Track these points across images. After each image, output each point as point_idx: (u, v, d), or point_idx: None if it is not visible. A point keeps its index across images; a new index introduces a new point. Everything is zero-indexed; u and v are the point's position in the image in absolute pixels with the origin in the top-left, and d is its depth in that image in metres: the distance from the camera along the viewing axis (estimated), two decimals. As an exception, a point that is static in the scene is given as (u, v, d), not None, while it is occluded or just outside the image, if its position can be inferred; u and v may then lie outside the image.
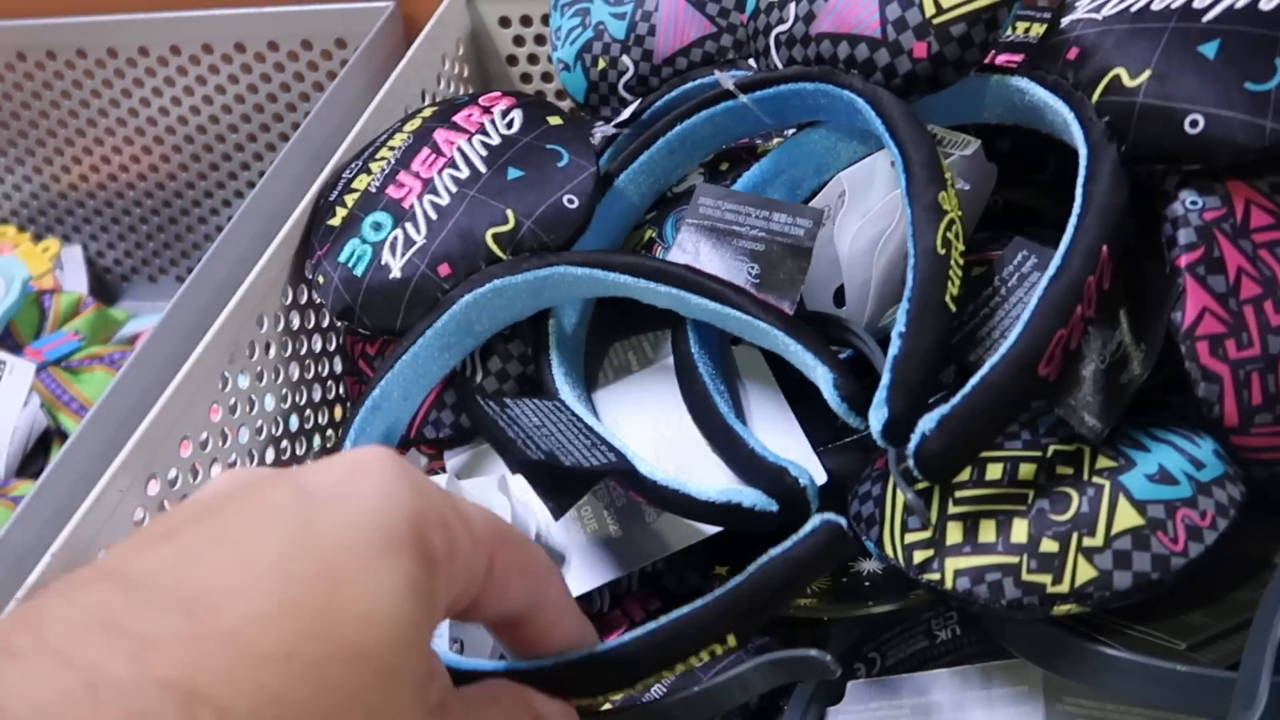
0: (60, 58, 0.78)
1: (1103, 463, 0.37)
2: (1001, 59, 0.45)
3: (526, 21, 0.69)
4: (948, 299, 0.37)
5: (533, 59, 0.71)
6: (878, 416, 0.36)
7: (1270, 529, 0.41)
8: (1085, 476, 0.37)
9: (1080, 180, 0.37)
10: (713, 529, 0.42)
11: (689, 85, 0.57)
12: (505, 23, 0.70)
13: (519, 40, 0.70)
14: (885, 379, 0.36)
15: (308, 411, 0.54)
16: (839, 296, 0.46)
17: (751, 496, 0.40)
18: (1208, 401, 0.37)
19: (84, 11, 0.76)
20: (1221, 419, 0.37)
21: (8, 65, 0.80)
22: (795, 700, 0.43)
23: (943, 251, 0.37)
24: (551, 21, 0.63)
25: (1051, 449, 0.38)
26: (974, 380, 0.34)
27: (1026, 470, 0.37)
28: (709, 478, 0.42)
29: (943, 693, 0.43)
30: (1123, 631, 0.40)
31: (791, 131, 0.49)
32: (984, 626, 0.42)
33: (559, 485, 0.40)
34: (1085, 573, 0.35)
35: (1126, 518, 0.35)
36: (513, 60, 0.71)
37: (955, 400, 0.34)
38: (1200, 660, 0.38)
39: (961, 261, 0.38)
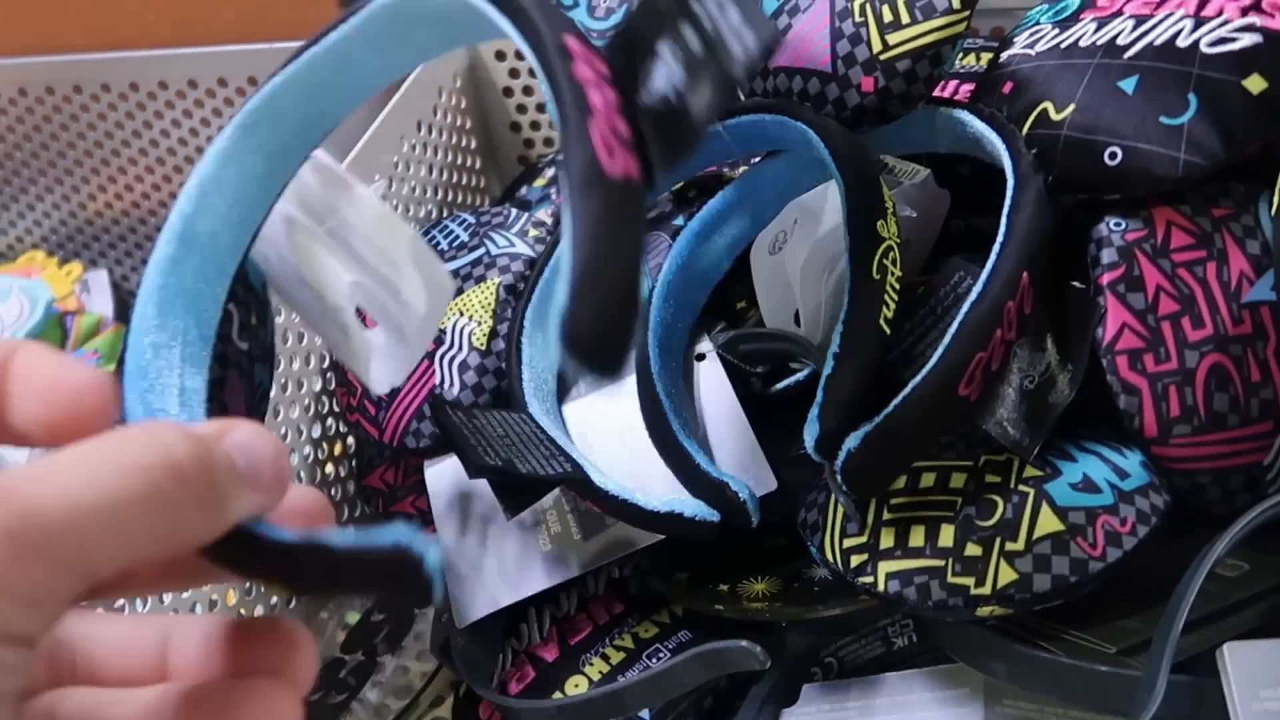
0: (85, 91, 0.82)
1: (1030, 472, 0.39)
2: (962, 89, 0.47)
3: (520, 55, 0.72)
4: (881, 322, 0.39)
5: (527, 90, 0.74)
6: (810, 432, 0.38)
7: (1200, 538, 0.43)
8: (1012, 485, 0.39)
9: (1005, 209, 0.39)
10: (659, 535, 0.44)
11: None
12: (501, 56, 0.73)
13: (514, 73, 0.73)
14: (819, 398, 0.39)
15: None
16: (797, 318, 0.48)
17: (694, 507, 0.42)
18: (1128, 413, 0.39)
19: (107, 48, 0.80)
20: (1141, 430, 0.39)
21: (37, 99, 0.84)
22: (750, 700, 0.45)
23: (877, 276, 0.39)
24: (542, 56, 0.66)
25: (983, 459, 0.40)
26: (896, 400, 0.37)
27: (957, 479, 0.40)
28: (664, 488, 0.44)
29: (889, 695, 0.45)
30: (1059, 636, 0.42)
31: (756, 160, 0.52)
32: (925, 630, 0.45)
33: (513, 490, 0.43)
34: (1006, 575, 0.37)
35: (1048, 523, 0.37)
36: (508, 92, 0.74)
37: (878, 419, 0.37)
38: (1131, 664, 0.40)
39: (897, 286, 0.41)
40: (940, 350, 0.37)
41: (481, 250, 0.54)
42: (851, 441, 0.37)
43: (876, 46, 0.44)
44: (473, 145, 0.73)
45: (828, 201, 0.47)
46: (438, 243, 0.57)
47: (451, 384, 0.51)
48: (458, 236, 0.56)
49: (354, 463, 0.60)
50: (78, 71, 0.82)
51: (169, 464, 0.20)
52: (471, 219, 0.58)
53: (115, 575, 0.20)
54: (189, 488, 0.20)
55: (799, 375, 0.49)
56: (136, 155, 0.85)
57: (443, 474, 0.50)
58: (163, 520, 0.20)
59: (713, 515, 0.41)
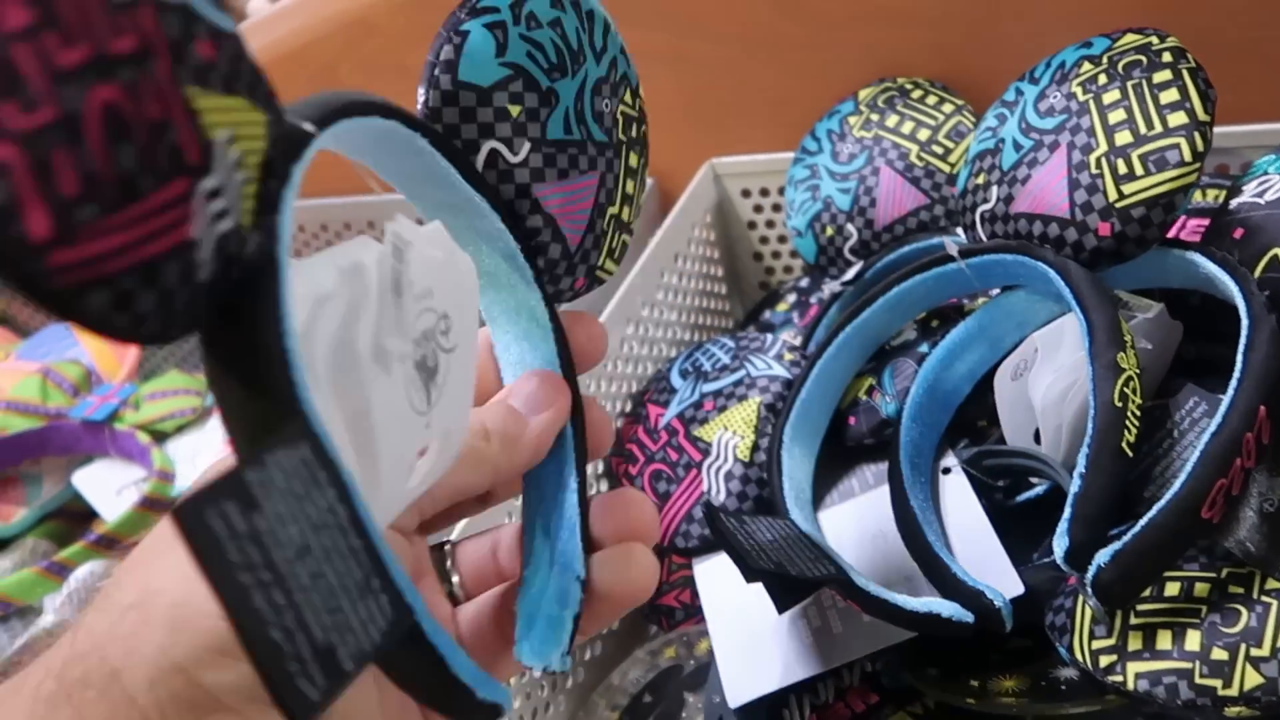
0: (354, 229, 0.95)
1: (1271, 584, 0.42)
2: (1190, 223, 0.52)
3: (764, 193, 0.80)
4: (1124, 445, 0.44)
5: (769, 224, 0.81)
6: (1060, 544, 0.43)
7: None
8: (1255, 595, 0.42)
9: (1241, 348, 0.44)
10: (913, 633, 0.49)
11: (905, 250, 0.65)
12: (746, 194, 0.81)
13: (758, 209, 0.81)
14: (1067, 513, 0.43)
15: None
16: (1037, 437, 0.53)
17: (950, 609, 0.47)
18: (1367, 535, 0.42)
19: (370, 191, 0.92)
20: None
21: (314, 234, 0.98)
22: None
23: (1119, 404, 0.44)
24: (787, 195, 0.73)
25: (1225, 571, 0.44)
26: (1143, 521, 0.41)
27: (1201, 589, 0.43)
28: (914, 590, 0.49)
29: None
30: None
31: (995, 293, 0.57)
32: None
33: (786, 590, 0.49)
34: (1253, 679, 0.40)
35: (1290, 633, 0.41)
36: (752, 225, 0.82)
37: (1127, 538, 0.41)
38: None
39: (1138, 413, 0.45)
40: (1183, 477, 0.41)
41: (743, 372, 0.61)
42: (1102, 557, 0.41)
43: (1113, 196, 0.49)
44: (720, 273, 0.81)
45: (1065, 334, 0.51)
46: (700, 363, 0.64)
47: (718, 491, 0.57)
48: (719, 359, 0.63)
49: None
50: (348, 212, 0.95)
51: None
52: (731, 343, 0.65)
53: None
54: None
55: (1038, 489, 0.54)
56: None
57: (711, 571, 0.56)
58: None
59: (968, 617, 0.46)
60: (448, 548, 0.37)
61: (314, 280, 0.23)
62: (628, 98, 0.35)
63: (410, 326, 0.24)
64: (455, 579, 0.36)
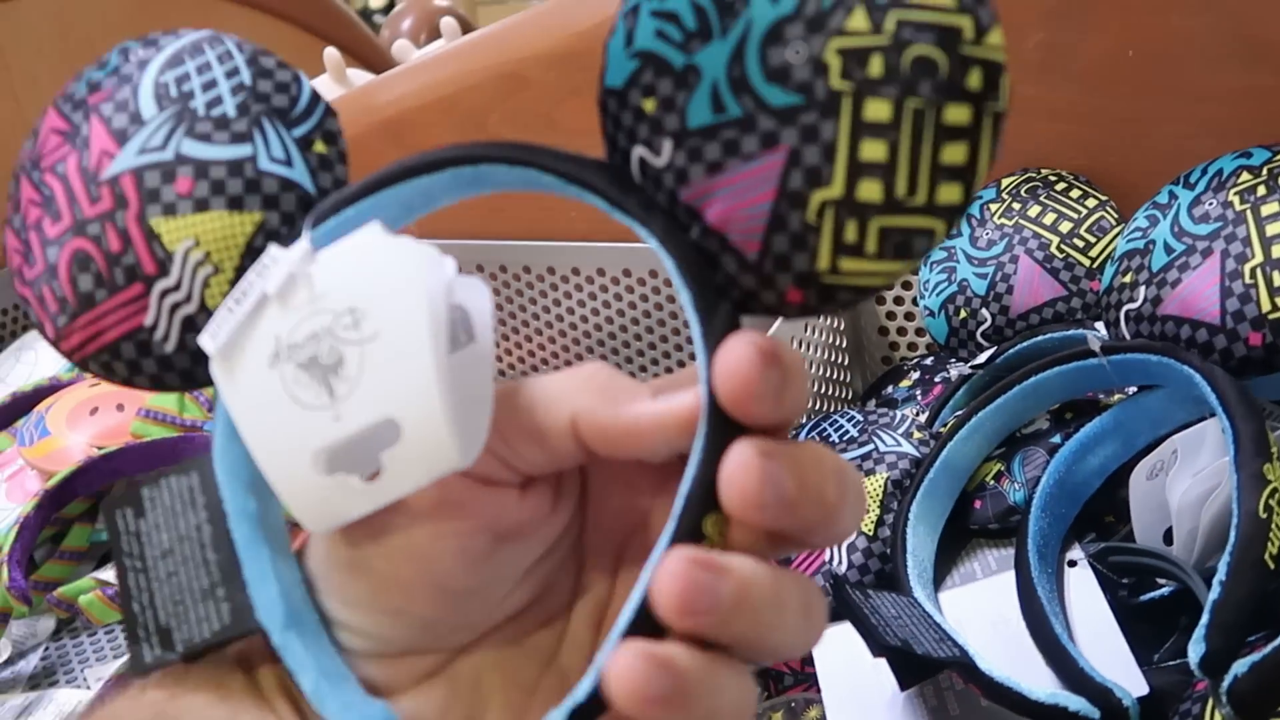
0: (510, 272, 0.98)
1: None
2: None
3: (896, 269, 0.81)
4: (1266, 557, 0.44)
5: (898, 300, 0.82)
6: (1196, 650, 0.43)
7: None
8: (1392, 723, 0.42)
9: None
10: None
11: (1040, 339, 0.66)
12: (877, 269, 0.82)
13: (888, 286, 0.82)
14: (1205, 618, 0.43)
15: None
16: (1168, 536, 0.53)
17: (1077, 703, 0.47)
18: None
19: (530, 237, 0.96)
20: None
21: (491, 274, 1.02)
22: None
23: (1264, 516, 0.44)
24: (920, 274, 0.74)
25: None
26: (1285, 635, 0.41)
27: (1336, 711, 0.43)
28: (1036, 678, 0.49)
29: None
30: None
31: (1132, 391, 0.57)
32: None
33: (911, 668, 0.49)
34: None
35: None
36: (880, 299, 0.83)
37: (1267, 650, 0.41)
38: None
39: (1282, 524, 0.45)
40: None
41: (870, 446, 0.62)
42: (1240, 667, 0.41)
43: (1266, 306, 0.49)
44: (844, 344, 0.82)
45: (1206, 439, 0.51)
46: (827, 434, 0.65)
47: (840, 562, 0.58)
48: (847, 431, 0.65)
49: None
50: (504, 255, 0.98)
51: None
52: (859, 416, 0.66)
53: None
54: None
55: (1163, 590, 0.54)
56: (542, 327, 1.00)
57: (829, 639, 0.57)
58: None
59: (1094, 713, 0.46)
60: None
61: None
62: (856, 21, 0.23)
63: (295, 329, 0.27)
64: None
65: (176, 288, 0.29)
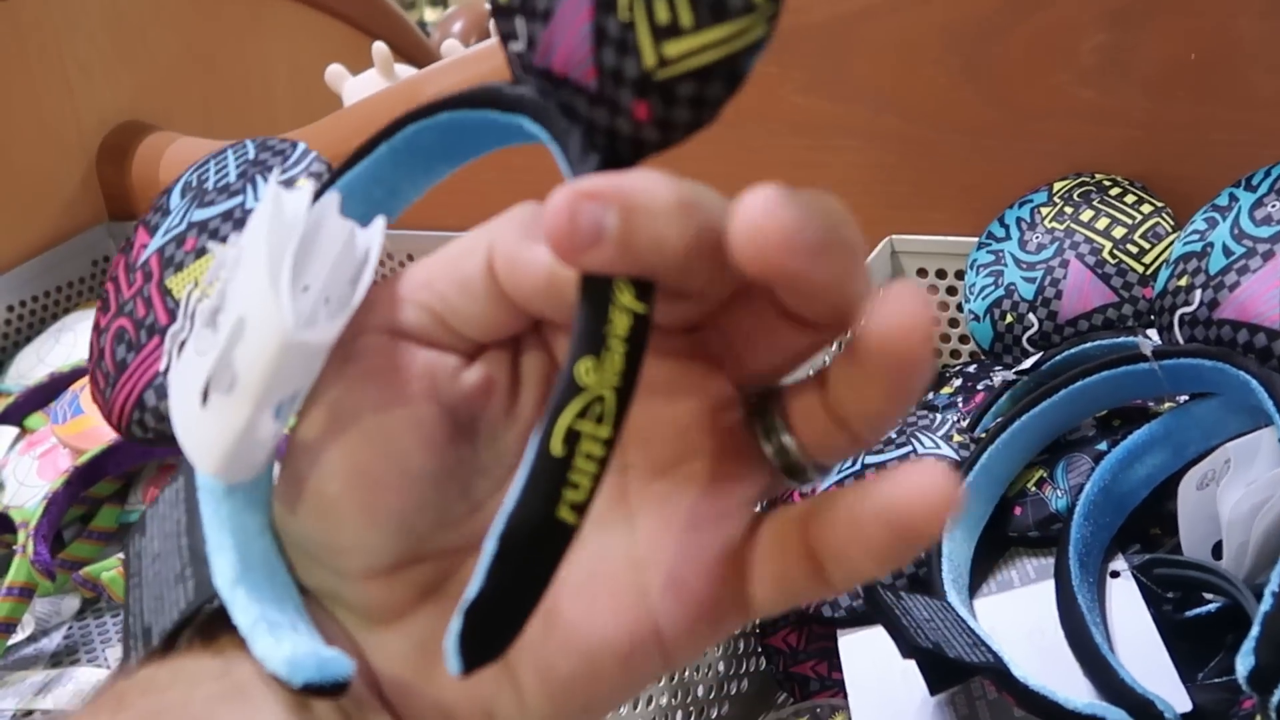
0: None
1: None
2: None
3: (941, 274, 0.79)
4: (1323, 568, 0.41)
5: (942, 306, 0.80)
6: (1245, 664, 0.41)
7: None
8: None
9: None
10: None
11: (1088, 345, 0.64)
12: (922, 273, 0.80)
13: (932, 289, 0.80)
14: (1255, 631, 0.41)
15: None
16: (1216, 550, 0.51)
17: (1116, 714, 0.45)
18: None
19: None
20: None
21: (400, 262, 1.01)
22: None
23: (1322, 524, 0.42)
24: (967, 278, 0.72)
25: None
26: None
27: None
28: (1073, 690, 0.47)
29: None
30: None
31: (1184, 399, 0.55)
32: None
33: (942, 672, 0.47)
34: None
35: None
36: (923, 305, 0.81)
37: (1322, 661, 0.39)
38: None
39: (1339, 536, 0.43)
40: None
41: (909, 448, 0.60)
42: (1291, 680, 0.39)
43: (1328, 311, 0.47)
44: (885, 349, 0.80)
45: (1262, 448, 0.49)
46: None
47: (873, 564, 0.56)
48: (884, 432, 0.63)
49: (758, 620, 0.66)
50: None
51: None
52: (897, 418, 0.64)
53: None
54: None
55: (1210, 606, 0.52)
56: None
57: (857, 644, 0.55)
58: None
59: (1133, 725, 0.44)
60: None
61: None
62: None
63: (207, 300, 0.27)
64: (786, 437, 0.25)
65: (182, 328, 0.28)
